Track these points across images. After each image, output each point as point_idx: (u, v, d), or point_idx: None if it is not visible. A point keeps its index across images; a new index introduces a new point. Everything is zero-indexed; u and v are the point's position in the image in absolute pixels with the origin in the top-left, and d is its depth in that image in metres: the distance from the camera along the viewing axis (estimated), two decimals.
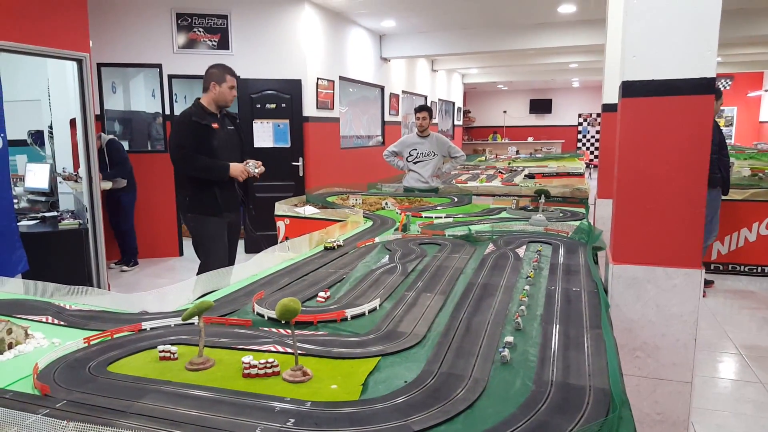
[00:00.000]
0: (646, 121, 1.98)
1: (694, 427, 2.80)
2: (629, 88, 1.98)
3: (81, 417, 1.07)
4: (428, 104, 5.51)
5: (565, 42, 8.71)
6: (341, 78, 8.01)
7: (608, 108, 4.86)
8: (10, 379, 1.29)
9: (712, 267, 5.65)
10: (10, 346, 1.47)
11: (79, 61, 4.75)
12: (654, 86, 1.94)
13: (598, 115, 16.39)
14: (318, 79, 7.22)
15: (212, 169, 3.53)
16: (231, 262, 3.78)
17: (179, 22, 6.49)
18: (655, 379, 2.12)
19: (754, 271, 5.49)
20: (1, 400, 1.16)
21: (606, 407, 1.14)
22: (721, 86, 15.48)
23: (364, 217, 3.75)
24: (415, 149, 5.44)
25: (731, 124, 16.37)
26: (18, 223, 4.19)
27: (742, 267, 5.61)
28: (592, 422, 1.08)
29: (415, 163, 5.45)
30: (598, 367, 1.33)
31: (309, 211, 4.30)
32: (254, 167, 3.63)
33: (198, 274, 2.31)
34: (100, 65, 6.34)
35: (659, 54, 1.93)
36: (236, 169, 3.57)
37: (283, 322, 1.59)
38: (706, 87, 1.89)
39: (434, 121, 13.15)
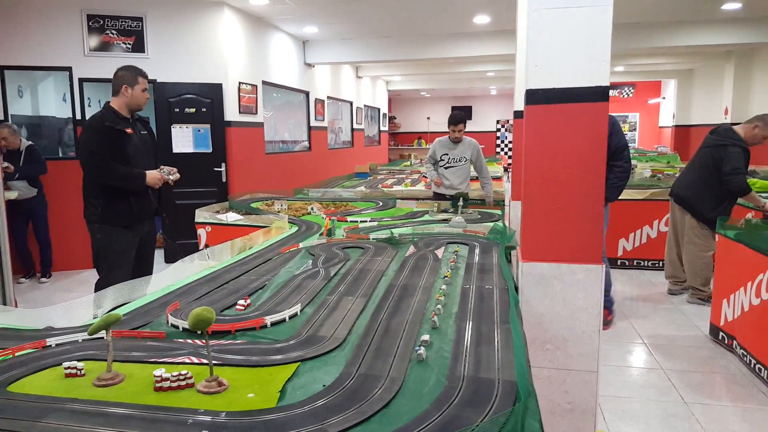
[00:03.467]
0: (548, 127, 2.11)
1: (603, 413, 2.99)
2: (532, 96, 2.11)
3: None
4: (461, 113, 5.02)
5: (481, 51, 9.05)
6: (264, 83, 7.91)
7: (519, 114, 5.10)
8: None
9: (618, 263, 6.03)
10: None
11: None
12: (554, 94, 2.07)
13: None
14: (240, 83, 7.09)
15: (129, 178, 3.36)
16: (148, 273, 3.63)
17: (90, 23, 6.17)
18: (564, 370, 2.25)
19: (656, 265, 5.91)
20: None
21: (513, 398, 1.21)
22: (624, 94, 16.59)
23: (289, 222, 3.73)
24: (447, 154, 5.17)
25: (634, 129, 17.58)
26: None
27: (646, 262, 6.03)
28: (499, 413, 1.14)
29: (446, 168, 5.17)
30: (507, 360, 1.40)
31: (232, 217, 4.22)
32: (169, 174, 3.51)
33: (96, 290, 2.18)
34: (3, 68, 5.93)
35: (558, 64, 2.06)
36: (153, 177, 3.43)
37: (198, 332, 1.57)
38: (600, 94, 2.04)
39: (360, 126, 13.25)
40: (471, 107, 19.35)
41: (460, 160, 5.15)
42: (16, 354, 1.47)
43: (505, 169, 12.24)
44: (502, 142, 19.62)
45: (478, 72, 12.74)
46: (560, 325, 2.20)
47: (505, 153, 19.05)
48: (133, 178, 3.37)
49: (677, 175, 6.06)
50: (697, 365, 3.65)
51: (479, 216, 3.83)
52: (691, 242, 4.80)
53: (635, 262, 6.05)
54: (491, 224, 3.29)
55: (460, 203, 3.58)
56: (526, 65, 2.14)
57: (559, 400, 2.23)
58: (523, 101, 2.70)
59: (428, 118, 19.47)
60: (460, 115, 5.13)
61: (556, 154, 2.11)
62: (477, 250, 2.68)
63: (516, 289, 2.11)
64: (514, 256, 2.74)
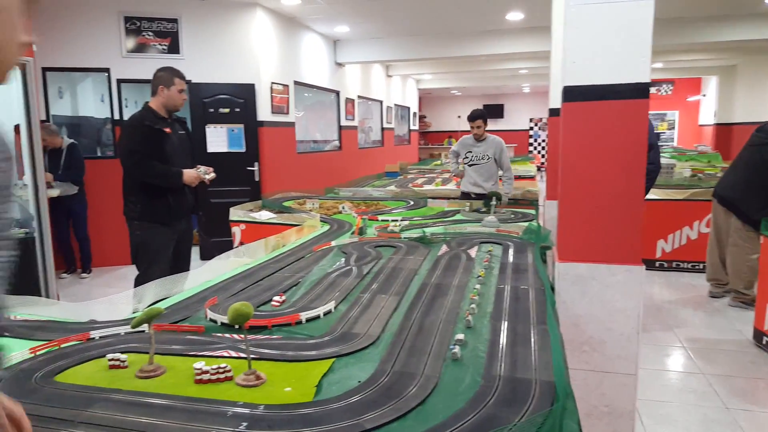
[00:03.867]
0: (586, 125, 2.07)
1: (641, 417, 2.92)
2: (570, 93, 2.07)
3: None
4: (481, 109, 5.06)
5: (514, 48, 8.94)
6: (296, 83, 7.98)
7: (554, 113, 5.02)
8: None
9: (657, 264, 5.89)
10: None
11: (22, 66, 4.58)
12: (592, 91, 2.03)
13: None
14: (272, 83, 7.18)
15: (167, 176, 3.43)
16: (186, 270, 3.70)
17: (128, 25, 6.33)
18: (601, 373, 2.20)
19: (697, 267, 5.74)
20: None
21: (551, 399, 1.19)
22: (662, 91, 16.19)
23: (320, 221, 3.75)
24: (471, 152, 5.16)
25: (673, 128, 17.13)
26: None
27: (686, 264, 5.86)
28: (537, 413, 1.12)
29: (470, 165, 5.16)
30: (543, 361, 1.38)
31: (265, 216, 4.27)
32: (205, 173, 3.58)
33: (136, 286, 2.28)
34: (45, 69, 6.13)
35: (597, 60, 2.02)
36: (189, 175, 3.50)
37: (236, 327, 1.59)
38: (641, 91, 1.99)
39: (390, 125, 13.25)
40: (503, 105, 19.15)
41: (483, 158, 5.12)
42: (62, 345, 1.52)
43: (539, 168, 12.08)
44: (535, 140, 19.36)
45: (511, 69, 12.60)
46: (598, 327, 2.16)
47: (539, 152, 18.79)
48: (171, 176, 3.44)
49: (719, 174, 5.87)
50: (739, 370, 3.53)
51: (513, 216, 3.79)
52: (736, 244, 4.65)
53: (674, 264, 5.89)
54: (525, 224, 3.25)
55: (493, 202, 3.54)
56: (563, 62, 2.11)
57: (596, 403, 2.19)
58: (558, 99, 2.66)
59: (459, 116, 19.32)
60: (478, 111, 5.09)
61: (595, 153, 2.07)
62: (511, 250, 2.65)
63: (552, 289, 2.08)
64: (549, 256, 2.70)
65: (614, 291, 2.12)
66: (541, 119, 19.05)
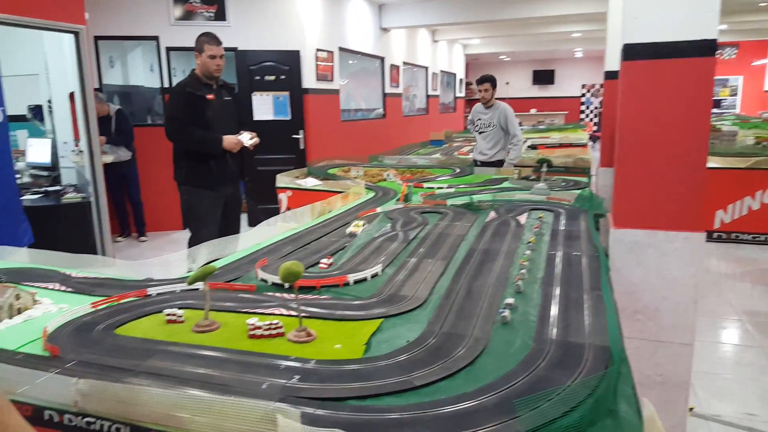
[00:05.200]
0: (646, 84, 1.96)
1: (695, 389, 2.84)
2: (630, 51, 1.96)
3: (91, 375, 1.10)
4: (489, 74, 5.06)
5: (568, 10, 8.56)
6: (341, 49, 7.92)
7: (610, 75, 4.82)
8: (20, 342, 1.32)
9: (715, 236, 5.65)
10: (19, 311, 1.49)
11: (76, 34, 4.70)
12: (655, 49, 1.91)
13: (602, 85, 16.22)
14: (317, 50, 7.15)
15: (205, 142, 3.50)
16: (236, 233, 3.79)
17: None
18: (655, 342, 2.14)
19: (758, 239, 5.48)
20: (12, 360, 1.19)
21: (605, 363, 1.16)
22: (725, 55, 15.28)
23: (365, 188, 3.75)
24: (480, 119, 5.14)
25: (736, 94, 16.21)
26: (21, 198, 4.20)
27: (746, 235, 5.59)
28: (591, 376, 1.10)
29: (479, 132, 5.15)
30: (597, 326, 1.35)
31: (311, 183, 4.31)
32: (248, 139, 3.60)
33: (189, 246, 2.36)
34: (97, 38, 6.27)
35: (660, 16, 1.90)
36: (229, 141, 3.53)
37: (286, 286, 1.62)
38: (707, 49, 1.86)
39: (435, 92, 13.03)
40: (554, 71, 18.52)
41: (489, 126, 5.06)
42: (121, 301, 1.58)
43: (591, 137, 11.68)
44: (587, 107, 18.70)
45: (562, 33, 12.12)
46: (653, 296, 2.09)
47: (591, 119, 18.15)
48: (210, 143, 3.50)
49: None
50: None
51: (564, 183, 3.69)
52: None
53: (733, 235, 5.63)
54: (577, 192, 3.16)
55: (544, 169, 3.45)
56: (623, 18, 1.99)
57: (649, 372, 2.13)
58: (616, 60, 2.54)
59: (507, 83, 18.83)
60: (486, 75, 5.06)
61: (655, 114, 1.96)
62: (563, 217, 2.58)
63: (606, 256, 2.02)
64: (602, 225, 2.62)
65: (671, 259, 2.04)
66: (594, 86, 18.35)
